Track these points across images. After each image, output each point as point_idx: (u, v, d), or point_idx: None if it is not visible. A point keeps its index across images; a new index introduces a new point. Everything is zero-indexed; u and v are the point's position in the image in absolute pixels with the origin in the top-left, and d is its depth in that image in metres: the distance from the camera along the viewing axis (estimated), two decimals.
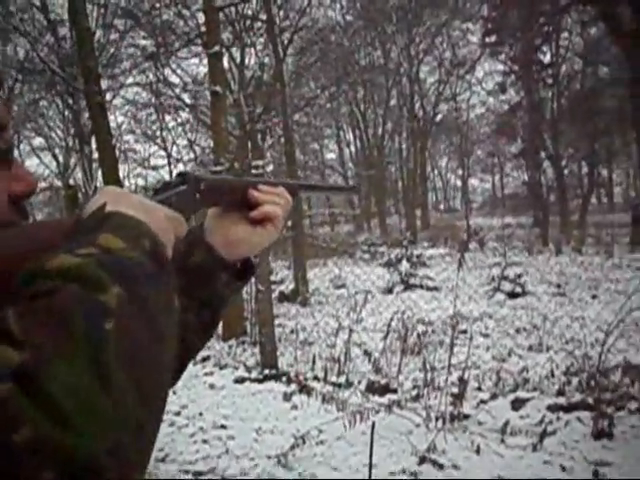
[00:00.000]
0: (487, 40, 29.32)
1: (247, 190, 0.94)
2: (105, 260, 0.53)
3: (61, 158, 24.17)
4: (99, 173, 12.52)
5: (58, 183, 22.98)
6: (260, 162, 9.70)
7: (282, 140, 16.55)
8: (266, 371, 7.33)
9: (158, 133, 25.07)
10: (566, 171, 27.77)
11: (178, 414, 6.04)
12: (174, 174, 0.87)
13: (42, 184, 24.21)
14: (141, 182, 28.61)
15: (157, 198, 0.78)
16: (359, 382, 6.59)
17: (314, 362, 7.65)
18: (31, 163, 25.29)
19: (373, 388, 6.31)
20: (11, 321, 0.46)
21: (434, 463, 4.57)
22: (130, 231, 0.59)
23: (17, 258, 0.58)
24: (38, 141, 24.74)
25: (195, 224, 0.95)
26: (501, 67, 30.29)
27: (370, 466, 3.49)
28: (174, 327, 0.58)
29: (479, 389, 6.20)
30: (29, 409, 0.41)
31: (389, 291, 14.61)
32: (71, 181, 21.38)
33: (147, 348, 0.51)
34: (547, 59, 27.94)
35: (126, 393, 0.46)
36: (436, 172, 46.10)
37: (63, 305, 0.47)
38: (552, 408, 5.34)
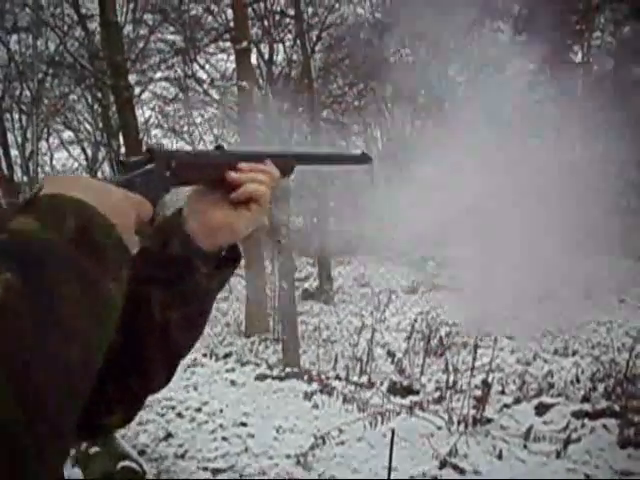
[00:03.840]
0: (517, 39, 29.01)
1: (225, 169, 0.82)
2: (4, 245, 0.49)
3: (89, 152, 24.36)
4: None
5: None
6: None
7: (309, 137, 16.50)
8: (288, 369, 7.31)
9: (185, 128, 25.13)
10: None
11: (199, 410, 6.03)
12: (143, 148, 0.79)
13: None
14: None
15: (120, 179, 0.70)
16: (381, 383, 6.54)
17: (336, 361, 7.62)
18: (60, 156, 25.56)
19: (395, 389, 6.25)
20: None
21: (455, 467, 4.51)
22: (54, 212, 0.55)
23: None
24: (67, 135, 24.87)
25: (174, 209, 0.85)
26: (531, 66, 29.95)
27: (389, 473, 3.44)
28: (102, 317, 0.54)
29: (503, 393, 6.12)
30: None
31: (414, 291, 14.53)
32: (99, 175, 21.56)
33: (41, 340, 0.46)
34: (578, 58, 27.56)
35: None
36: None
37: None
38: (577, 414, 5.24)
